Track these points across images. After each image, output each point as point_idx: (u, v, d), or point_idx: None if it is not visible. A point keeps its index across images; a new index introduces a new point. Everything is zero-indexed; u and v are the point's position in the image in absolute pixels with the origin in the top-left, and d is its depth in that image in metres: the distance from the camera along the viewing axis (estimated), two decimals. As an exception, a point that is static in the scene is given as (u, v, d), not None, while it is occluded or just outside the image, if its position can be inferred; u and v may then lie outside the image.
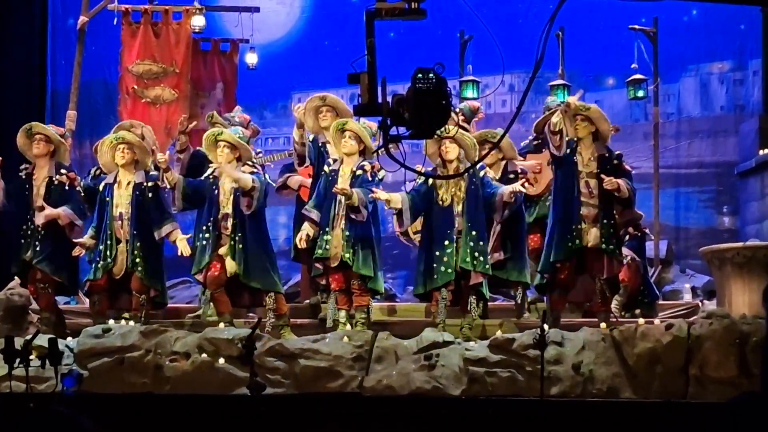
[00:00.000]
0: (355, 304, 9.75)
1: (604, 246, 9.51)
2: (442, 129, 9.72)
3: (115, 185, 10.14)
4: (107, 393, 9.09)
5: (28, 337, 7.85)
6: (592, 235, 9.58)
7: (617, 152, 9.90)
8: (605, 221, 9.58)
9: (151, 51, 12.69)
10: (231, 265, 9.85)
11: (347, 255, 9.65)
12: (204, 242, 9.89)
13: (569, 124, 9.63)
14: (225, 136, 9.94)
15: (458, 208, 9.66)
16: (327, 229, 9.76)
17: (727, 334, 8.69)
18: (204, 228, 9.94)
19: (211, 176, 10.03)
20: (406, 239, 10.49)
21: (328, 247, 9.72)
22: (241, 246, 9.82)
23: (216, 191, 9.96)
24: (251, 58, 13.33)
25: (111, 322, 9.80)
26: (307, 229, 9.87)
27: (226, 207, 9.92)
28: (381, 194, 9.60)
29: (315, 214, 9.86)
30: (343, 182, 9.77)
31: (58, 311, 10.55)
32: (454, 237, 9.59)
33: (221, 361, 9.17)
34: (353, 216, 9.66)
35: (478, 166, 9.80)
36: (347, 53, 16.48)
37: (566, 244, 9.56)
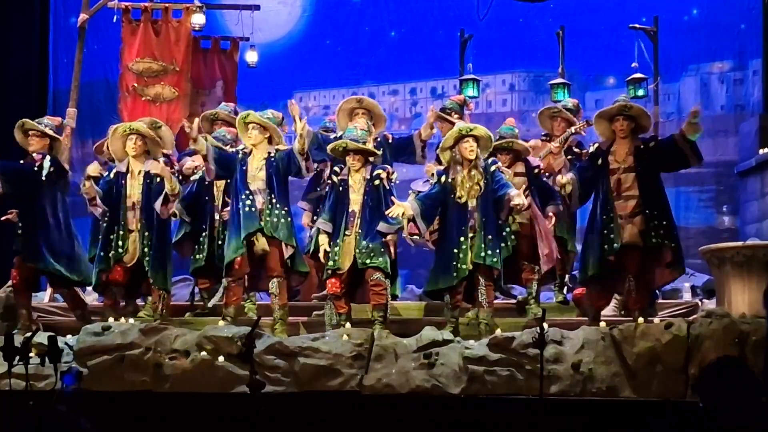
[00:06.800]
0: (374, 302, 9.71)
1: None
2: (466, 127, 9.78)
3: (128, 175, 10.16)
4: (107, 391, 9.09)
5: (28, 334, 7.84)
6: None
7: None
8: None
9: (151, 49, 12.69)
10: (262, 242, 9.82)
11: (368, 261, 9.59)
12: (246, 209, 9.74)
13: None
14: (252, 118, 9.88)
15: (473, 204, 9.64)
16: (338, 240, 9.68)
17: (727, 333, 8.69)
18: (243, 197, 9.78)
19: (240, 151, 9.98)
20: (413, 240, 10.44)
21: (337, 258, 9.65)
22: (272, 216, 9.78)
23: (245, 167, 9.88)
24: (251, 57, 13.33)
25: (111, 320, 9.81)
26: (324, 244, 9.77)
27: (254, 183, 9.84)
28: (398, 213, 9.54)
29: (329, 227, 9.78)
30: (355, 193, 9.72)
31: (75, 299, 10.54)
32: (469, 233, 9.60)
33: (221, 359, 9.17)
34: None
35: (490, 161, 9.79)
36: (349, 53, 16.58)
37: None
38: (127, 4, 12.76)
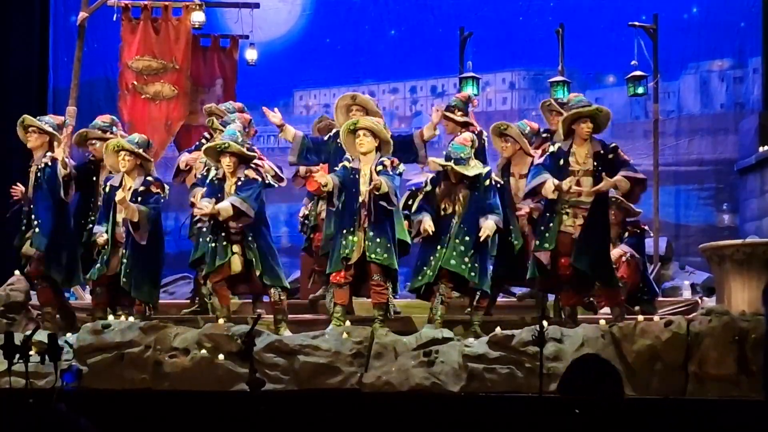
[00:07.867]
0: (374, 301, 9.71)
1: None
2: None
3: (120, 189, 10.14)
4: (107, 389, 9.10)
5: (28, 332, 7.84)
6: None
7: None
8: None
9: (151, 47, 12.69)
10: (236, 264, 9.80)
11: (372, 255, 9.55)
12: (215, 244, 9.77)
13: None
14: (233, 148, 9.77)
15: (456, 216, 9.66)
16: (351, 229, 9.64)
17: (726, 331, 8.70)
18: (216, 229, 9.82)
19: (215, 179, 9.91)
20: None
21: (354, 247, 9.62)
22: (254, 244, 9.77)
23: (221, 195, 9.84)
24: (251, 55, 13.33)
25: (111, 318, 9.81)
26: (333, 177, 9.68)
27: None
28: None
29: (337, 180, 9.68)
30: (365, 184, 9.65)
31: (62, 305, 10.53)
32: (446, 242, 9.60)
33: (220, 357, 9.18)
34: (385, 204, 9.57)
35: (485, 172, 9.74)
36: (349, 51, 16.55)
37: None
38: (126, 2, 12.76)
